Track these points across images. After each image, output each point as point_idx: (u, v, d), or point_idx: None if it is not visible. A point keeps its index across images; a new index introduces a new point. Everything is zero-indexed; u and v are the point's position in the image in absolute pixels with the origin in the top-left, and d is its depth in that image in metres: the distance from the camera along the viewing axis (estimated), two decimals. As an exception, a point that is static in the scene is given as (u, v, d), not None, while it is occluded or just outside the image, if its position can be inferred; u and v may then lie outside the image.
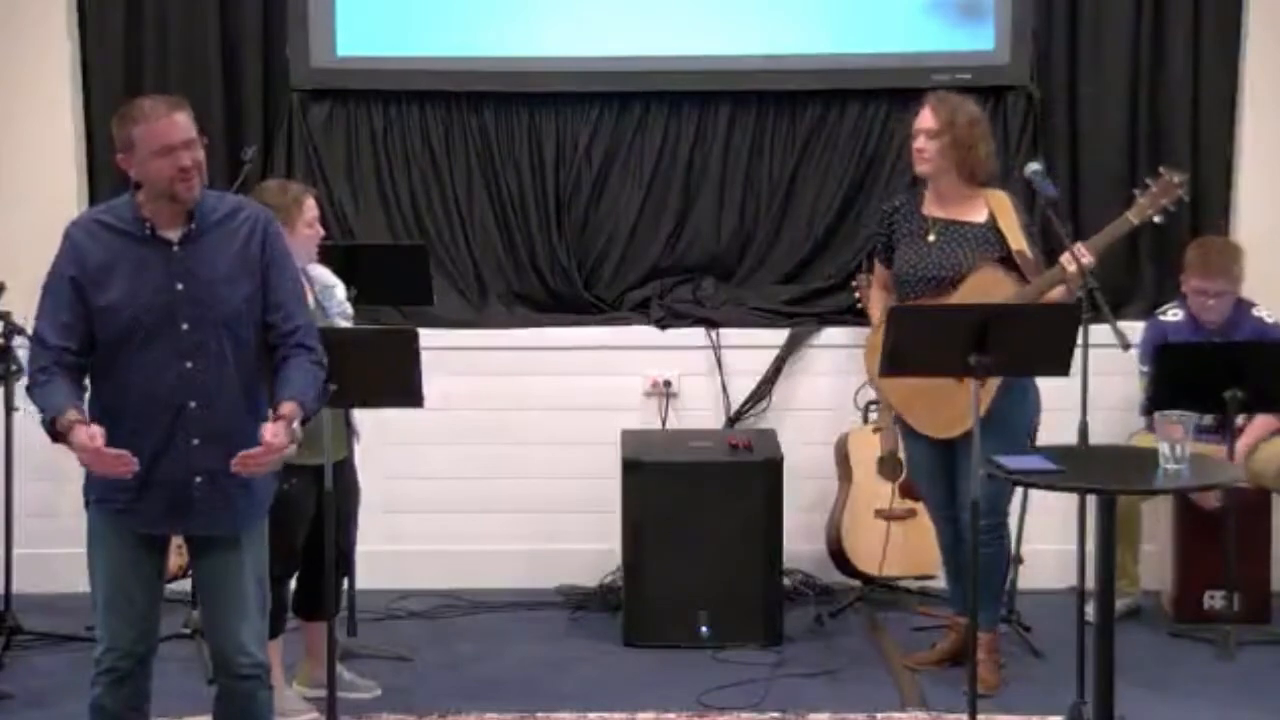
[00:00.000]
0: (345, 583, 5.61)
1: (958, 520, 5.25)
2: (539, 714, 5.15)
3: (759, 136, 6.73)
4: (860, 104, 6.71)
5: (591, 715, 5.17)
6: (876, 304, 5.47)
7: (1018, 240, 5.16)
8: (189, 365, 3.90)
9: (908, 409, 5.29)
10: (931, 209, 5.27)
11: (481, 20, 6.63)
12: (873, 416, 6.25)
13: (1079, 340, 4.77)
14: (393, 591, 6.33)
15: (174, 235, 3.93)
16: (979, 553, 5.09)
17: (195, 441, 3.92)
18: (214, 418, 3.92)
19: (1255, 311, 6.00)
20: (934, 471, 5.33)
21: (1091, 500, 4.53)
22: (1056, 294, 5.09)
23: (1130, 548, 6.03)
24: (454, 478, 6.58)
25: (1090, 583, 4.48)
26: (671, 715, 5.17)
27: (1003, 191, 5.34)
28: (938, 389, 5.07)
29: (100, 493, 3.97)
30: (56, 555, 6.34)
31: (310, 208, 5.10)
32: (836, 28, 6.62)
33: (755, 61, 6.60)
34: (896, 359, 4.75)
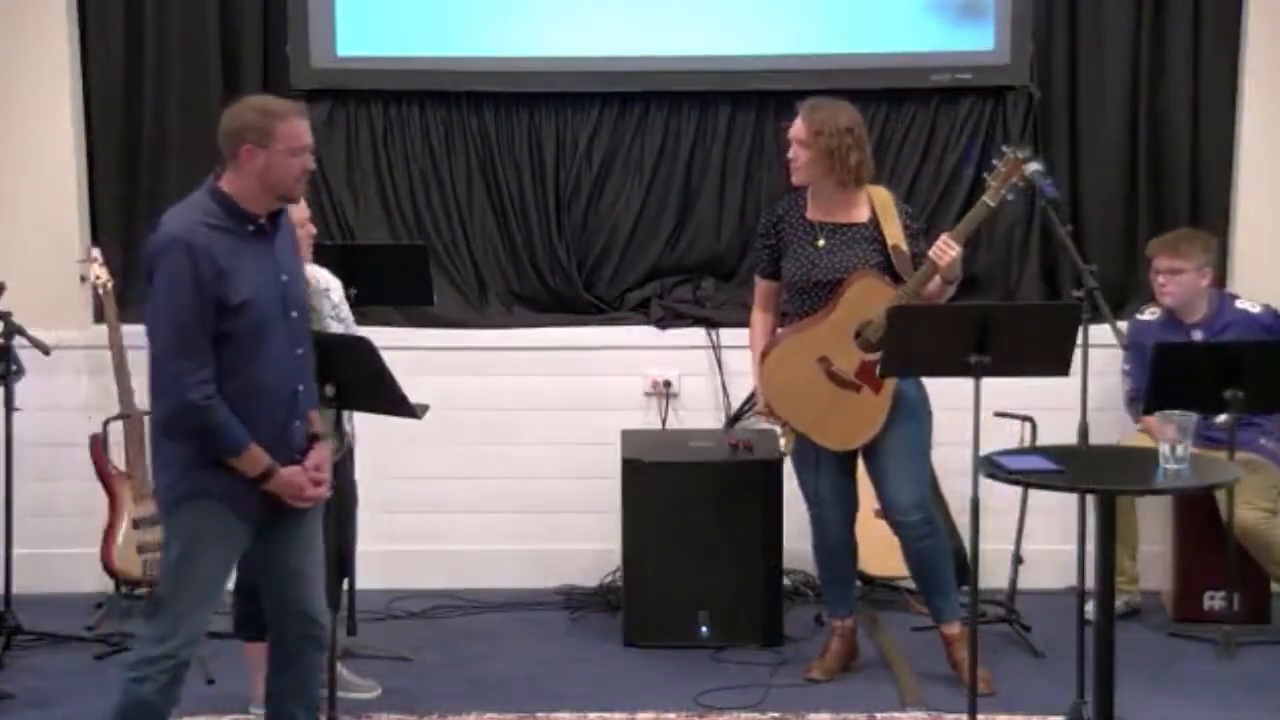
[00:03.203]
0: (345, 583, 5.61)
1: (897, 525, 5.34)
2: (539, 714, 5.15)
3: (759, 136, 6.73)
4: (860, 104, 6.67)
5: (591, 715, 5.17)
6: (759, 330, 5.43)
7: (895, 236, 5.22)
8: (298, 352, 4.15)
9: (819, 430, 5.27)
10: (815, 214, 5.30)
11: (481, 20, 6.63)
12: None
13: (1078, 340, 4.77)
14: (392, 591, 6.34)
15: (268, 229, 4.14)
16: (924, 546, 5.21)
17: (297, 424, 4.16)
18: (309, 399, 4.22)
19: (1238, 304, 6.00)
20: (834, 470, 5.34)
21: (1091, 500, 4.53)
22: (933, 287, 5.15)
23: (1127, 547, 6.03)
24: (454, 478, 6.58)
25: (1090, 582, 4.48)
26: (671, 715, 5.17)
27: (884, 188, 5.39)
28: (840, 402, 5.17)
29: (224, 490, 4.04)
30: (56, 555, 6.38)
31: (300, 208, 5.07)
32: (836, 27, 6.62)
33: (755, 61, 6.60)
34: (896, 359, 4.76)
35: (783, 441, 5.37)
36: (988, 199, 5.12)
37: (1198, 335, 5.92)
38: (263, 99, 4.23)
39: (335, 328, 5.07)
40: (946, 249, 5.09)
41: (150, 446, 4.27)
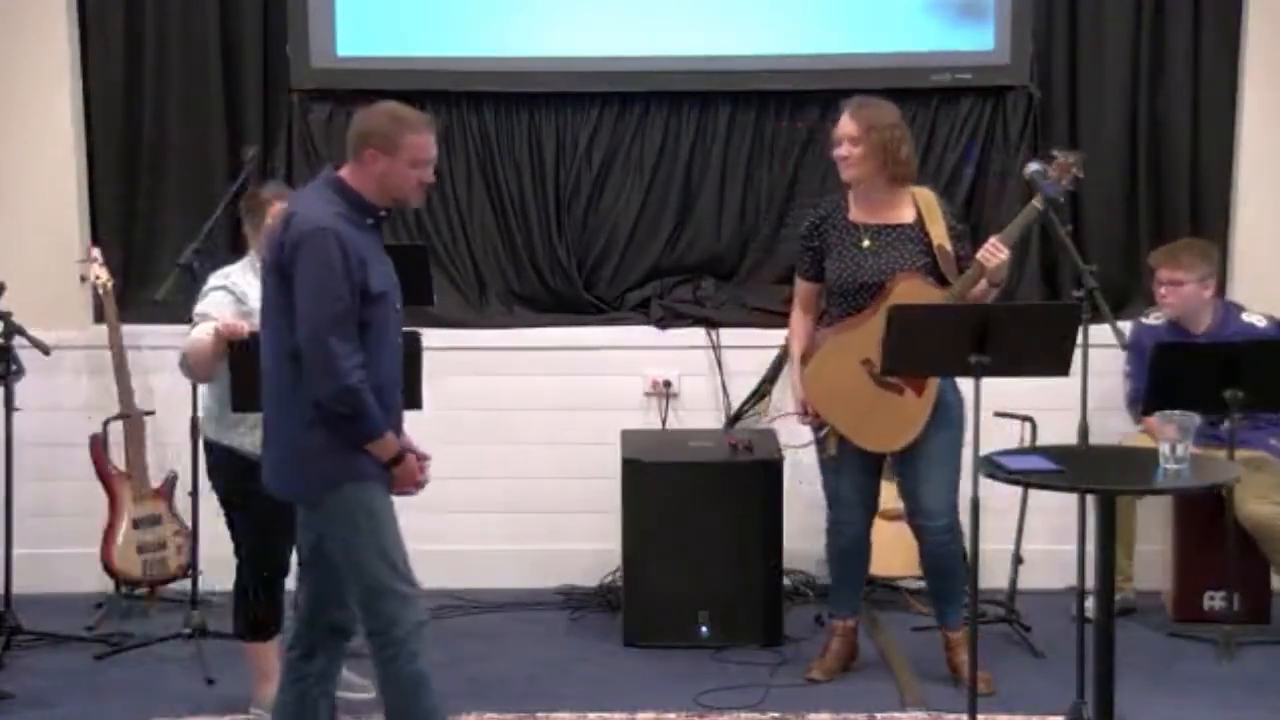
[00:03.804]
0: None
1: (920, 529, 5.32)
2: (539, 714, 5.16)
3: (759, 136, 6.73)
4: (860, 104, 6.70)
5: (591, 715, 5.17)
6: (799, 332, 5.39)
7: (940, 237, 5.20)
8: (399, 342, 4.26)
9: (859, 432, 5.25)
10: (859, 215, 5.27)
11: (481, 20, 6.63)
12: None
13: (1079, 340, 4.77)
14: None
15: None
16: (945, 552, 5.16)
17: (399, 410, 4.27)
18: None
19: (1245, 316, 6.00)
20: (859, 470, 5.33)
21: (1091, 500, 4.53)
22: (978, 290, 5.14)
23: (1124, 546, 6.03)
24: (454, 478, 6.53)
25: (1090, 582, 4.48)
26: (671, 715, 5.17)
27: (928, 189, 5.37)
28: (881, 404, 5.14)
29: (374, 471, 4.17)
30: (56, 555, 6.37)
31: (274, 214, 5.05)
32: (837, 27, 6.62)
33: (755, 61, 6.60)
34: (897, 359, 4.76)
35: (829, 443, 5.30)
36: (1037, 203, 5.10)
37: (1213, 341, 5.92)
38: (395, 107, 4.23)
39: None
40: (995, 252, 5.07)
41: (289, 436, 4.19)
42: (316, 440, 4.11)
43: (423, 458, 4.31)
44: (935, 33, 6.59)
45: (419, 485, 4.31)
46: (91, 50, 6.66)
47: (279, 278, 4.09)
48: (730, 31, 6.59)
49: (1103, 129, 6.66)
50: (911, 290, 5.12)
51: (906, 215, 5.25)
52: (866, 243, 5.22)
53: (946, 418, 5.22)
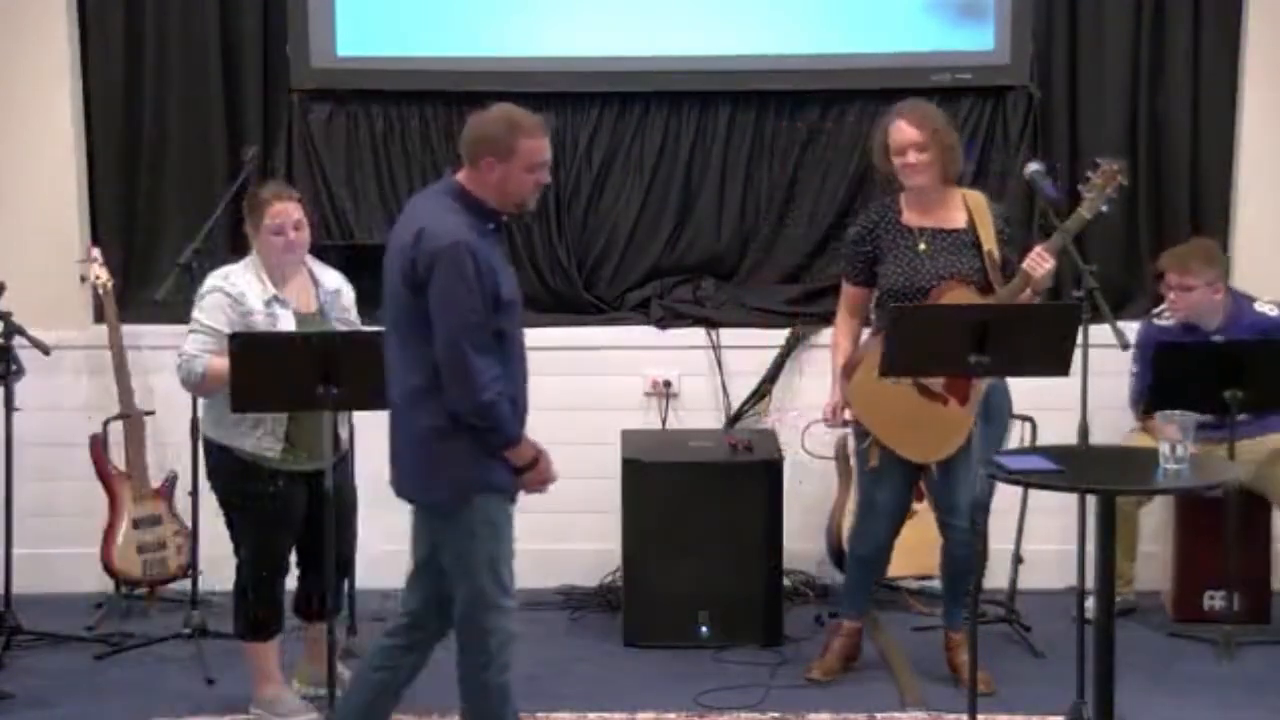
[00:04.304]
0: (346, 584, 5.62)
1: (950, 528, 5.29)
2: (539, 714, 5.15)
3: (759, 136, 6.73)
4: (860, 104, 6.70)
5: (591, 715, 5.17)
6: (844, 334, 5.34)
7: (990, 243, 5.16)
8: (524, 343, 4.29)
9: (901, 441, 5.21)
10: (914, 218, 5.23)
11: (481, 20, 6.63)
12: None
13: (1079, 340, 4.77)
14: (393, 591, 6.32)
15: None
16: (970, 552, 5.15)
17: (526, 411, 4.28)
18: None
19: (1258, 306, 6.00)
20: (901, 481, 5.30)
21: (1091, 500, 4.53)
22: (1023, 299, 5.11)
23: (1125, 548, 6.03)
24: (454, 478, 6.57)
25: (1090, 582, 4.48)
26: (671, 715, 5.17)
27: (978, 192, 5.33)
28: (924, 415, 5.10)
29: (504, 481, 4.21)
30: (56, 555, 6.37)
31: (294, 210, 5.05)
32: (836, 27, 6.62)
33: (755, 61, 6.60)
34: (896, 360, 4.76)
35: (872, 453, 5.25)
36: (1084, 210, 5.10)
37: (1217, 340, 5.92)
38: (510, 111, 4.22)
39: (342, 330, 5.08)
40: (1041, 262, 5.03)
41: (415, 443, 4.21)
42: (447, 450, 4.15)
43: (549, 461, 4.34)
44: (935, 33, 6.59)
45: (547, 486, 4.34)
46: (91, 50, 6.66)
47: (411, 290, 4.10)
48: (730, 31, 6.59)
49: (1103, 129, 6.66)
50: (957, 300, 5.07)
51: (959, 219, 5.21)
52: (922, 246, 5.18)
53: (991, 418, 5.16)
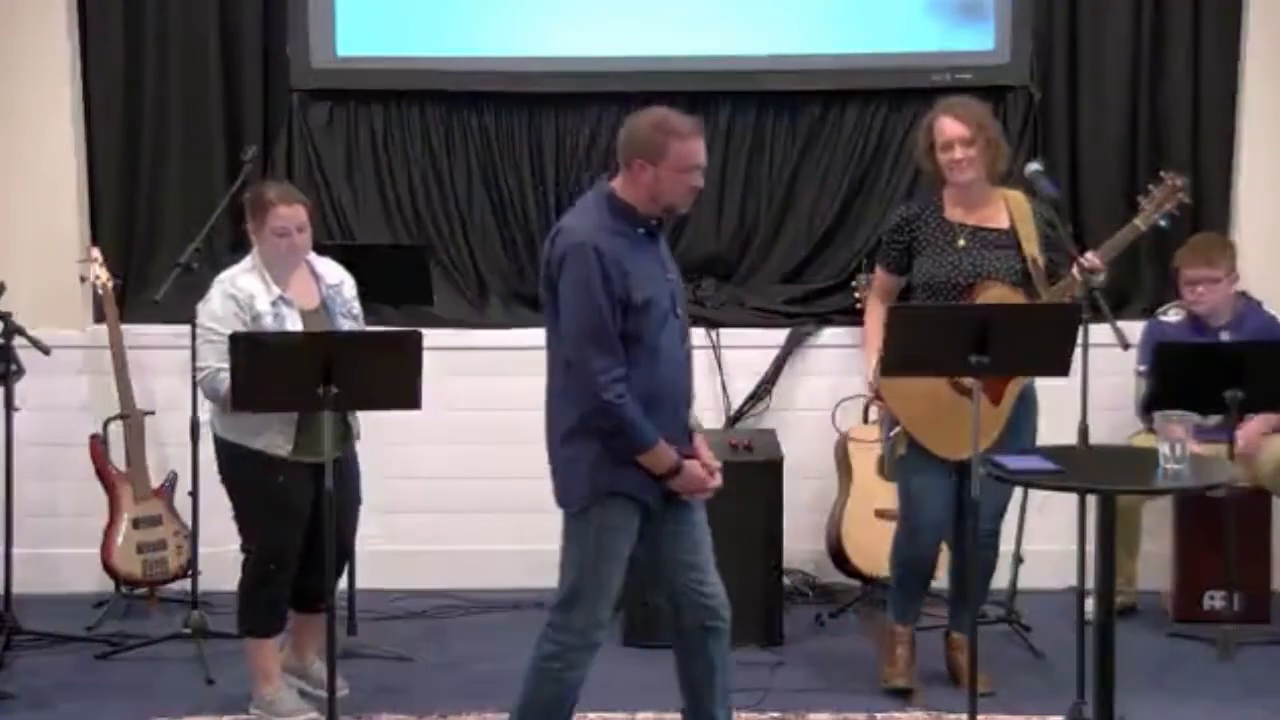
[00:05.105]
0: (345, 577, 5.60)
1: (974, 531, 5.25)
2: (539, 714, 5.15)
3: (759, 136, 6.73)
4: (860, 104, 6.71)
5: (591, 715, 5.16)
6: (875, 318, 5.26)
7: (1031, 246, 5.12)
8: (685, 347, 4.29)
9: (930, 435, 5.16)
10: (956, 214, 5.18)
11: (481, 20, 6.63)
12: (873, 416, 6.24)
13: (1079, 340, 4.77)
14: (392, 591, 6.33)
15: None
16: (994, 555, 5.15)
17: (682, 417, 4.28)
18: (689, 396, 4.33)
19: (1266, 309, 6.00)
20: (950, 496, 5.20)
21: (1091, 500, 4.53)
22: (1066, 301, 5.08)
23: (1128, 547, 6.03)
24: (454, 478, 6.58)
25: (1090, 582, 4.48)
26: (671, 715, 5.15)
27: (1019, 193, 5.26)
28: (956, 410, 5.02)
29: (632, 486, 4.18)
30: (56, 555, 6.38)
31: (298, 212, 5.04)
32: (837, 28, 6.62)
33: (755, 61, 6.60)
34: (896, 360, 4.75)
35: (898, 443, 5.21)
36: (1139, 221, 5.10)
37: (1225, 337, 5.93)
38: (662, 113, 4.24)
39: (347, 324, 5.08)
40: (1093, 268, 4.99)
41: (553, 444, 4.30)
42: (576, 450, 4.19)
43: (710, 466, 4.29)
44: (935, 33, 6.59)
45: (706, 492, 4.29)
46: (91, 50, 6.66)
47: (549, 290, 4.17)
48: (730, 31, 6.59)
49: (1103, 129, 6.67)
50: (999, 297, 5.04)
51: (1001, 219, 5.16)
52: (962, 242, 5.14)
53: (1023, 427, 5.14)
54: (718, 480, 4.32)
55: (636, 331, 4.12)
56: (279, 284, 4.98)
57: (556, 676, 4.27)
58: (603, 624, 4.28)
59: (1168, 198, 5.12)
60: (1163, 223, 5.15)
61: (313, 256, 5.15)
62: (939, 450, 5.17)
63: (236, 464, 5.00)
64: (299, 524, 4.98)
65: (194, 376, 5.07)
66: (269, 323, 4.91)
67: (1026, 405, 5.16)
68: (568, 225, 4.18)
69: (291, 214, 4.98)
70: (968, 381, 4.99)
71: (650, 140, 4.16)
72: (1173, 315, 6.06)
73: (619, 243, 4.13)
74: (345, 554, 5.33)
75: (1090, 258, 5.04)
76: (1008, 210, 5.19)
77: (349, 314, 5.13)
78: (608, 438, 4.13)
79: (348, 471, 5.09)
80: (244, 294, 4.93)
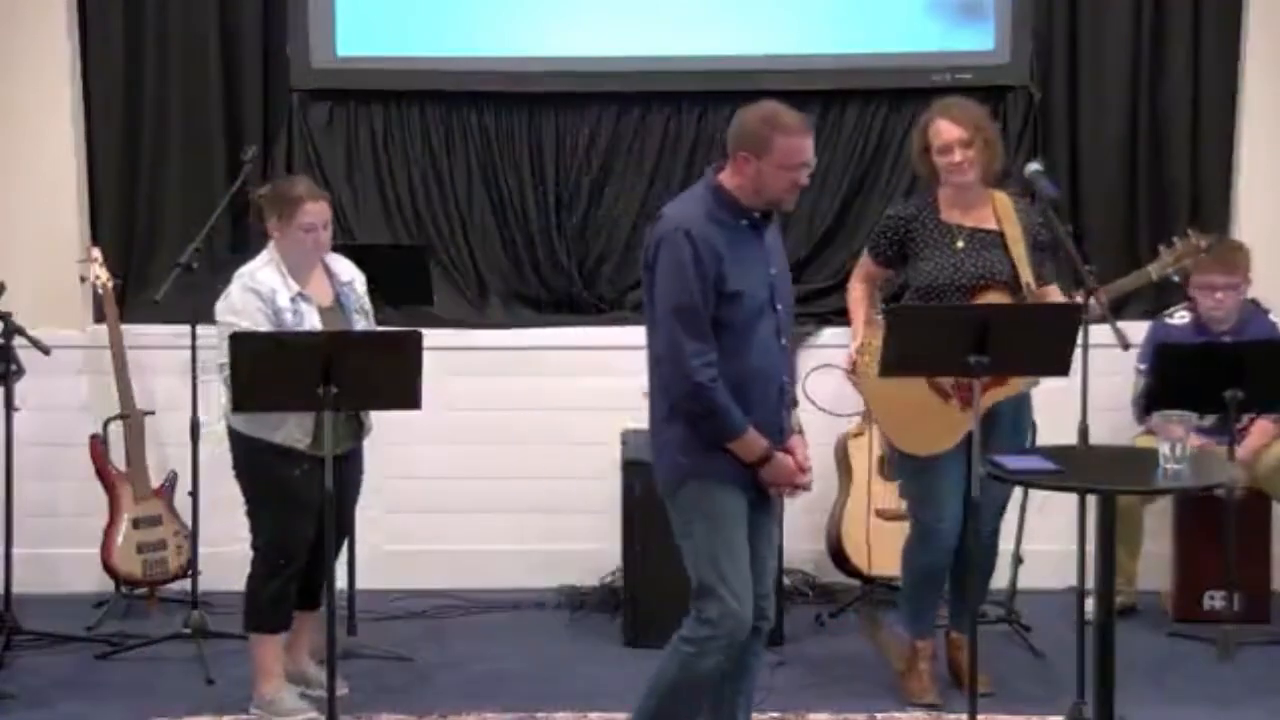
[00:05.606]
0: (345, 577, 5.61)
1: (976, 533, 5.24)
2: (539, 714, 5.15)
3: (759, 137, 6.71)
4: (860, 104, 6.71)
5: (591, 715, 5.17)
6: (860, 296, 5.29)
7: (1018, 247, 5.08)
8: (782, 343, 4.26)
9: (899, 432, 5.18)
10: (953, 215, 5.15)
11: (481, 20, 6.63)
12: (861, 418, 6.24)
13: (1079, 340, 4.76)
14: (393, 591, 6.33)
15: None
16: (994, 555, 5.14)
17: (784, 413, 4.29)
18: (788, 392, 4.32)
19: (1272, 316, 6.00)
20: (960, 485, 5.13)
21: (1092, 500, 4.53)
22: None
23: (1129, 546, 6.03)
24: (455, 478, 6.58)
25: (1090, 582, 4.48)
26: (671, 715, 5.16)
27: (1004, 194, 5.25)
28: (927, 408, 5.04)
29: (723, 471, 4.17)
30: (56, 555, 6.38)
31: (322, 210, 5.06)
32: (836, 28, 6.62)
33: (756, 61, 6.60)
34: (896, 360, 4.74)
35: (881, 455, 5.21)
36: (1152, 270, 5.13)
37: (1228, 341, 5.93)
38: (771, 108, 4.22)
39: (360, 321, 5.09)
40: (1096, 301, 4.93)
41: (651, 428, 4.32)
42: (670, 434, 4.21)
43: (803, 464, 4.27)
44: (935, 33, 6.59)
45: (797, 487, 4.29)
46: (91, 50, 6.66)
47: (646, 274, 4.22)
48: (730, 31, 6.59)
49: (1103, 129, 6.67)
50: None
51: (990, 220, 5.15)
52: (960, 244, 5.11)
53: (1018, 426, 5.15)
54: (808, 479, 4.31)
55: (728, 320, 4.12)
56: (298, 280, 4.99)
57: (686, 661, 4.24)
58: (735, 614, 4.17)
59: (1188, 254, 5.13)
60: (1175, 278, 5.14)
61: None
62: (905, 446, 5.18)
63: (254, 458, 5.00)
64: (311, 517, 4.98)
65: (194, 376, 5.08)
66: (289, 319, 4.91)
67: (1019, 411, 5.15)
68: (668, 212, 4.21)
69: (319, 210, 5.02)
70: (944, 382, 5.01)
71: (756, 134, 4.16)
72: (1179, 318, 6.05)
73: (718, 231, 4.13)
74: (345, 532, 5.31)
75: (1094, 294, 4.97)
76: (994, 210, 5.17)
77: (362, 310, 5.14)
78: (698, 420, 4.13)
79: (358, 464, 5.17)
80: (265, 288, 4.93)
